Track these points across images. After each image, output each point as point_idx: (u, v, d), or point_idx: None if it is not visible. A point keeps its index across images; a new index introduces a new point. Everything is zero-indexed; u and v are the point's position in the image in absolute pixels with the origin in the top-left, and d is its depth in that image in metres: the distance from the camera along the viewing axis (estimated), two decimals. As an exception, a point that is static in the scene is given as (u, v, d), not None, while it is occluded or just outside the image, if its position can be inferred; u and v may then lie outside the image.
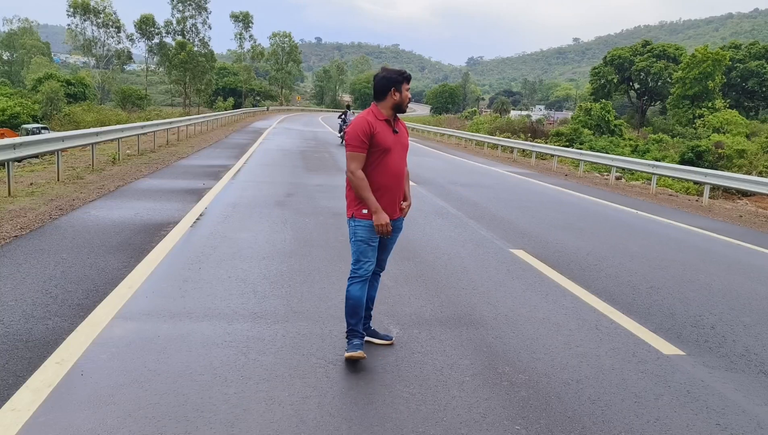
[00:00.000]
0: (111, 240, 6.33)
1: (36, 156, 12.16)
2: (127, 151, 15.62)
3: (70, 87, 51.92)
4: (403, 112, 3.72)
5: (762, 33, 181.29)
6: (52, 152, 10.97)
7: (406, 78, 3.67)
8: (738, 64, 59.59)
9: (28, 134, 25.09)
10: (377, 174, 3.62)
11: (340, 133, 25.22)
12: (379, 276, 4.01)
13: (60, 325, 3.96)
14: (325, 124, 48.94)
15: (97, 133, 12.86)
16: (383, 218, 3.56)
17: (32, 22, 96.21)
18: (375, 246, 3.69)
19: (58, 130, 26.90)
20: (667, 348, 4.30)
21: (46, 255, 5.63)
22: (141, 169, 12.58)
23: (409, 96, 3.71)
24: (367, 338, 3.90)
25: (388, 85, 3.65)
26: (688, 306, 5.38)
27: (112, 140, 14.41)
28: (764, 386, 3.79)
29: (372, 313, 4.02)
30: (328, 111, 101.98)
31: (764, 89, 60.00)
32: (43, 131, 27.87)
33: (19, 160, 12.22)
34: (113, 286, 4.79)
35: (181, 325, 4.08)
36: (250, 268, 5.54)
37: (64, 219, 7.28)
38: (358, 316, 3.69)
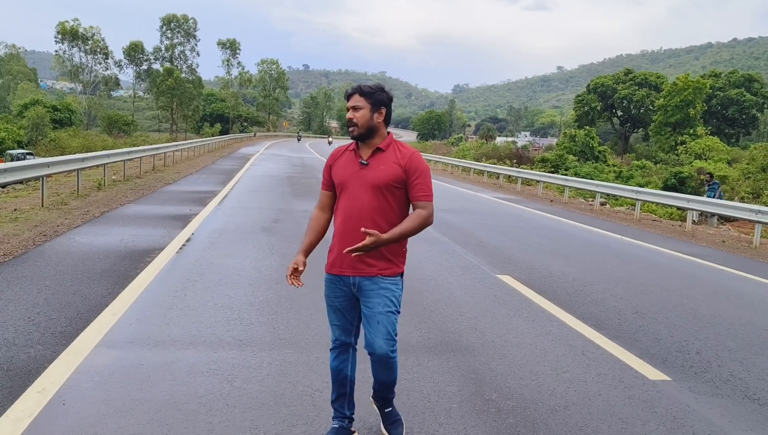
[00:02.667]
0: (95, 266, 6.27)
1: (21, 182, 12.09)
2: (113, 177, 15.56)
3: (56, 113, 51.68)
4: (355, 138, 2.89)
5: (741, 62, 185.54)
6: (36, 178, 10.92)
7: (349, 94, 2.94)
8: (718, 92, 60.79)
9: (12, 160, 24.92)
10: (336, 215, 2.98)
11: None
12: (382, 358, 2.87)
13: (42, 353, 3.90)
14: (312, 150, 49.08)
15: (82, 159, 12.81)
16: (292, 262, 2.94)
17: (19, 48, 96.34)
18: (337, 307, 2.95)
19: (44, 156, 26.75)
20: (652, 373, 4.31)
21: (28, 282, 5.56)
22: (126, 195, 12.52)
23: (348, 117, 2.88)
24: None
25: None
26: (674, 331, 5.41)
27: (97, 166, 14.35)
28: (749, 411, 3.80)
29: (349, 399, 3.07)
30: (315, 137, 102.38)
31: (744, 117, 61.20)
32: (28, 157, 27.69)
33: (3, 186, 12.14)
34: (97, 314, 4.73)
35: (166, 353, 4.04)
36: (236, 295, 5.51)
37: (48, 245, 7.21)
38: (338, 392, 3.02)
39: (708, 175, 18.88)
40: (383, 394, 3.09)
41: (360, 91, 2.89)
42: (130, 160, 16.89)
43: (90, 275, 5.92)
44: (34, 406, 3.19)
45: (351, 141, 3.00)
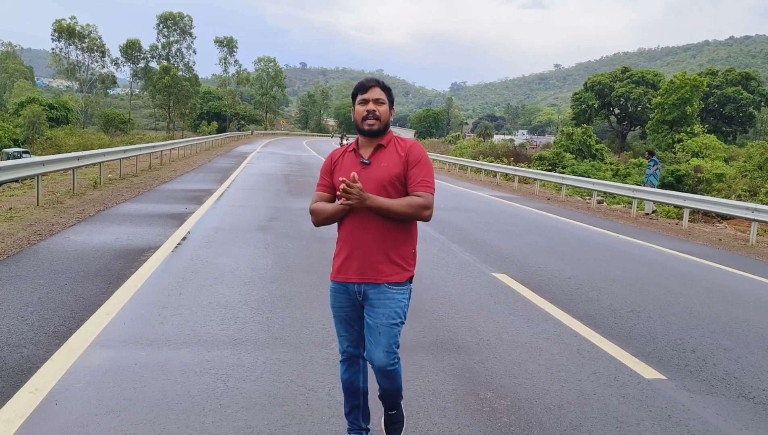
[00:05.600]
0: (90, 266, 6.25)
1: (16, 180, 12.04)
2: (109, 176, 15.51)
3: (52, 111, 51.51)
4: (366, 135, 2.74)
5: (738, 60, 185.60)
6: (32, 177, 10.86)
7: (360, 87, 2.78)
8: (715, 90, 60.85)
9: (9, 158, 24.84)
10: (341, 222, 2.81)
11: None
12: (381, 371, 2.77)
13: (35, 353, 3.88)
14: (310, 148, 49.04)
15: (78, 158, 12.77)
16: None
17: (15, 46, 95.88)
18: (343, 317, 2.82)
19: (40, 154, 26.68)
20: (648, 372, 4.31)
21: (22, 281, 5.54)
22: (122, 194, 12.49)
23: (368, 109, 2.70)
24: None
25: (352, 103, 2.82)
26: (669, 330, 5.41)
27: (93, 164, 14.31)
28: (744, 410, 3.80)
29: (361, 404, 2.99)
30: (313, 135, 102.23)
31: (741, 114, 61.27)
32: (24, 155, 27.60)
33: (-1, 184, 12.08)
34: (91, 313, 4.71)
35: (159, 352, 4.02)
36: (231, 294, 5.49)
37: (43, 244, 7.19)
38: (350, 404, 2.94)
39: (648, 153, 19.41)
40: (388, 399, 2.99)
41: (381, 84, 2.78)
42: (126, 158, 16.84)
43: (84, 274, 5.90)
44: (26, 406, 3.17)
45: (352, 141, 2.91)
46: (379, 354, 2.72)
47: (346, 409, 2.96)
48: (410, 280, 2.80)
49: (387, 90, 2.79)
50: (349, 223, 2.74)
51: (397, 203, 2.65)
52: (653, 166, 18.02)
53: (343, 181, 2.56)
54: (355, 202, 2.58)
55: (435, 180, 2.82)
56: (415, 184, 2.69)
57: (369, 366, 2.93)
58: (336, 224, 2.85)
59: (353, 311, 2.80)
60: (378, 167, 2.72)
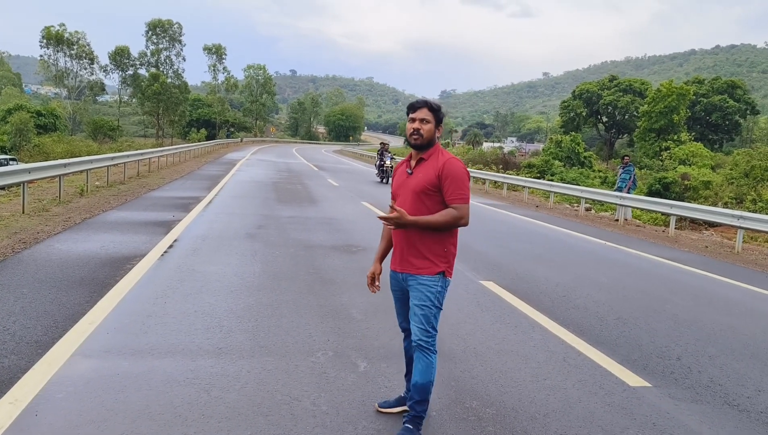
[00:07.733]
0: (74, 274, 6.19)
1: (2, 188, 11.92)
2: (96, 183, 15.40)
3: (40, 118, 51.13)
4: (415, 148, 3.22)
5: (723, 69, 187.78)
6: (18, 184, 10.77)
7: (410, 107, 3.25)
8: (702, 99, 61.53)
9: (-6, 165, 24.58)
10: None
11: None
12: (417, 345, 3.23)
13: (16, 363, 3.83)
14: (299, 155, 49.00)
15: (65, 165, 12.67)
16: (369, 272, 3.47)
17: (3, 53, 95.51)
18: (398, 297, 3.43)
19: (28, 162, 26.47)
20: (633, 380, 4.32)
21: (5, 290, 5.47)
22: (109, 201, 12.40)
23: (414, 127, 3.17)
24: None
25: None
26: (655, 337, 5.43)
27: (80, 171, 14.20)
28: (729, 418, 3.81)
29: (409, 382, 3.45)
30: (303, 142, 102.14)
31: (727, 122, 61.99)
32: (11, 162, 27.36)
33: (-17, 192, 11.96)
34: (74, 322, 4.66)
35: (143, 362, 3.98)
36: (217, 303, 5.45)
37: (27, 252, 7.11)
38: (407, 367, 3.49)
39: (624, 158, 19.29)
40: (415, 399, 3.19)
41: (429, 105, 3.20)
42: (113, 165, 16.73)
43: (69, 283, 5.84)
44: (5, 417, 3.12)
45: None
46: (415, 329, 3.22)
47: (405, 371, 3.52)
48: (442, 274, 3.22)
49: (434, 110, 3.20)
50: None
51: (435, 219, 3.10)
52: (632, 170, 18.04)
53: (382, 218, 3.13)
54: (400, 224, 3.11)
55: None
56: (451, 198, 3.12)
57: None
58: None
59: (401, 293, 3.37)
60: (416, 177, 3.19)
